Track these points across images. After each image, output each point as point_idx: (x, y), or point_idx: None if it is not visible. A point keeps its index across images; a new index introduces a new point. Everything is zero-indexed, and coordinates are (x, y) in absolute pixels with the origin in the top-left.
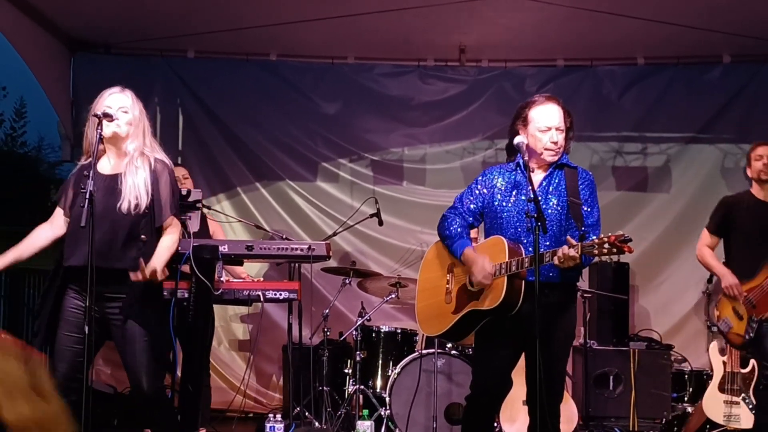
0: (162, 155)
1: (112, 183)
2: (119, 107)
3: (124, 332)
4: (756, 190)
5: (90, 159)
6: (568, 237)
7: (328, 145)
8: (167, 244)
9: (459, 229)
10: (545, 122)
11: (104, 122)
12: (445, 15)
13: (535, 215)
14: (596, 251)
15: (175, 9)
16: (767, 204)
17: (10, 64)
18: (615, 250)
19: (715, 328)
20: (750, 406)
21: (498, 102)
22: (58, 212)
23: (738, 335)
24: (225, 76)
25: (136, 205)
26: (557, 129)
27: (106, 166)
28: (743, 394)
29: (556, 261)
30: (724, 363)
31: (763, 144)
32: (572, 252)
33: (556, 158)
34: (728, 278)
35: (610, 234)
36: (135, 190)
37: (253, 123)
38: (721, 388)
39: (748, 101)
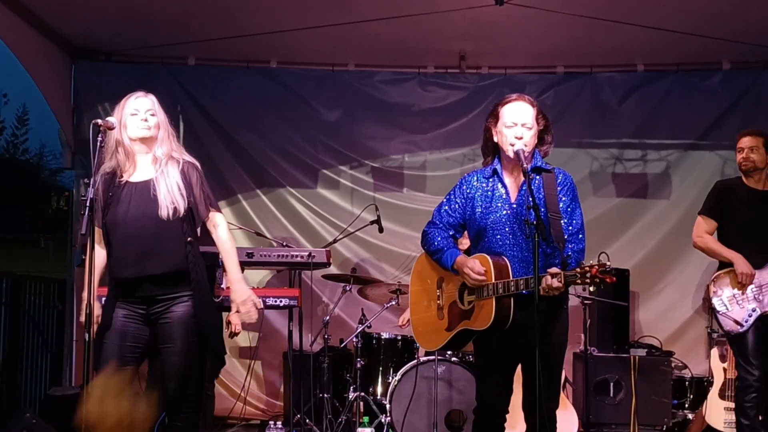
0: (188, 156)
1: (146, 190)
2: (147, 110)
3: (169, 327)
4: (745, 179)
5: (112, 166)
6: (549, 270)
7: (328, 152)
8: (229, 251)
9: (444, 241)
10: (512, 118)
11: (129, 125)
12: (445, 22)
13: (535, 222)
14: (579, 281)
15: (175, 16)
16: (760, 192)
17: (12, 71)
18: (597, 280)
19: (715, 334)
20: None
21: None
22: (99, 232)
23: (735, 321)
24: (225, 83)
25: (175, 210)
26: (523, 125)
27: (137, 173)
28: None
29: (540, 291)
30: (725, 369)
31: (745, 135)
32: (556, 283)
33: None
34: (742, 264)
35: (593, 265)
36: (170, 195)
37: (254, 130)
38: (722, 395)
39: (748, 108)
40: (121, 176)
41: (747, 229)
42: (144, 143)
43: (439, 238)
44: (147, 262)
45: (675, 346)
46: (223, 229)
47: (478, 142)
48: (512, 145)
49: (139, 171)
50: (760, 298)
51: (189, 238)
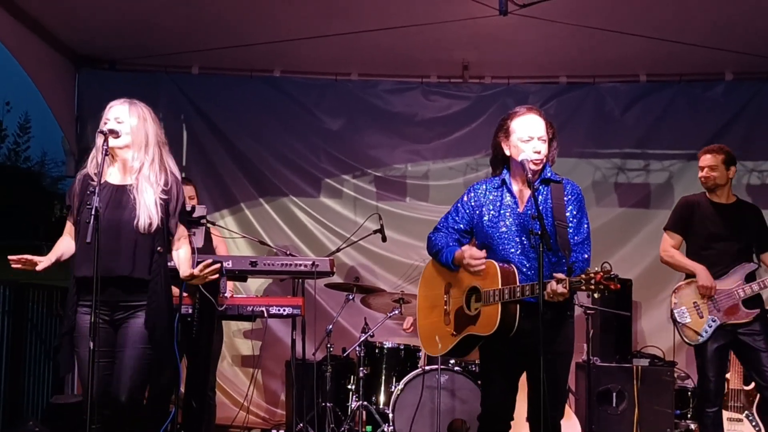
0: (170, 166)
1: (122, 195)
2: (114, 117)
3: (125, 333)
4: (709, 194)
5: (95, 171)
6: (555, 274)
7: (331, 161)
8: (185, 255)
9: (445, 240)
10: (527, 132)
11: (110, 138)
12: (448, 32)
13: (540, 232)
14: (584, 287)
15: (179, 26)
16: (724, 205)
17: (15, 79)
18: (602, 286)
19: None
20: (753, 424)
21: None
22: (70, 227)
23: (694, 332)
24: (229, 92)
25: (150, 224)
26: (539, 139)
27: (114, 176)
28: (746, 412)
29: (545, 297)
30: (727, 380)
31: (705, 152)
32: (561, 288)
33: (538, 168)
34: (703, 277)
35: (598, 271)
36: (147, 210)
37: (257, 139)
38: (725, 406)
39: (750, 118)
40: (99, 178)
41: (709, 241)
42: (114, 152)
43: (441, 240)
44: (114, 264)
45: (677, 356)
46: (185, 246)
47: (481, 152)
48: (530, 160)
49: (118, 175)
50: (719, 308)
51: (159, 248)
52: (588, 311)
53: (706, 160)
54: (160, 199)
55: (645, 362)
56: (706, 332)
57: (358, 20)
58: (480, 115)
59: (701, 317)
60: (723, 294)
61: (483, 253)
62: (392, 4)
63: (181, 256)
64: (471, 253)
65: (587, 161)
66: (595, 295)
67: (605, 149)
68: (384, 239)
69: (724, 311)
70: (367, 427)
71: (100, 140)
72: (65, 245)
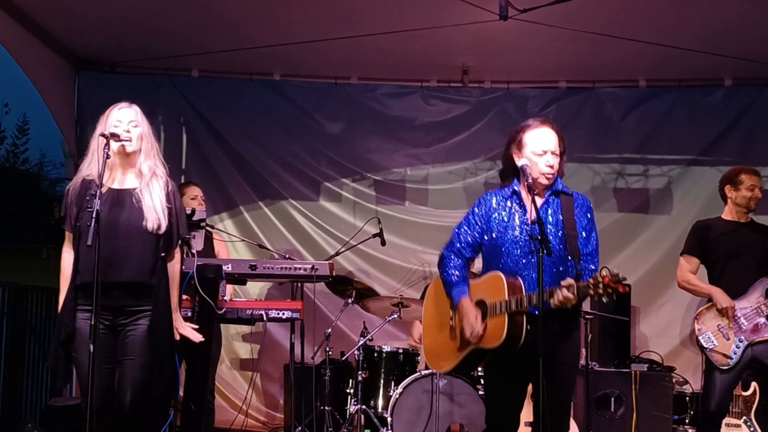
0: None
1: (127, 197)
2: (129, 121)
3: (130, 342)
4: (728, 214)
5: (91, 174)
6: (562, 282)
7: (330, 165)
8: (176, 278)
9: (457, 274)
10: (541, 146)
11: (111, 142)
12: (448, 37)
13: (540, 237)
14: (591, 292)
15: (179, 28)
16: (740, 223)
17: (14, 81)
18: (610, 290)
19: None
20: (751, 429)
21: (500, 123)
22: (69, 236)
23: (723, 355)
24: (229, 95)
25: (158, 226)
26: (552, 153)
27: (115, 179)
28: (744, 417)
29: (552, 304)
30: None
31: (753, 173)
32: (569, 294)
33: (550, 182)
34: (720, 298)
35: (604, 275)
36: (155, 213)
37: (257, 142)
38: None
39: (749, 124)
40: (101, 181)
41: (728, 259)
42: (124, 155)
43: (453, 271)
44: (118, 268)
45: (676, 361)
46: (176, 264)
47: (480, 156)
48: (543, 173)
49: (120, 179)
50: (745, 327)
51: (162, 253)
52: (587, 316)
53: (756, 180)
54: (166, 205)
55: (643, 367)
56: (735, 354)
57: (358, 24)
58: (479, 120)
59: (727, 339)
60: (746, 312)
61: (479, 331)
62: (393, 8)
63: (173, 282)
64: (474, 324)
65: (586, 166)
66: (604, 299)
67: (604, 154)
68: (383, 243)
69: (750, 330)
70: (366, 430)
71: (100, 142)
72: (68, 263)
